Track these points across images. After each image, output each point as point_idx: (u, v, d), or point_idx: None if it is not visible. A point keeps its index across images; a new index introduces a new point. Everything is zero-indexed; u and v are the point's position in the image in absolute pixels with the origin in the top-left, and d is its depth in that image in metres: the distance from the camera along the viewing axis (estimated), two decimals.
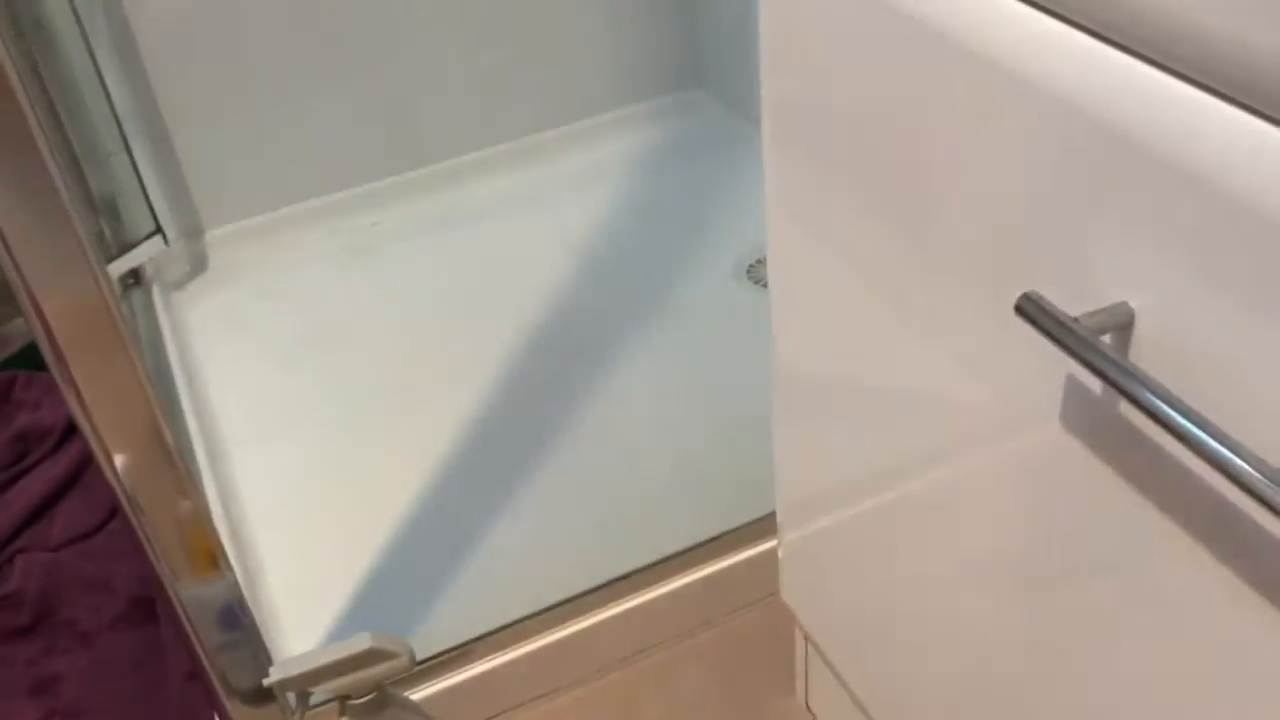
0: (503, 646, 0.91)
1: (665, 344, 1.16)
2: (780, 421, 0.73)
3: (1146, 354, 0.40)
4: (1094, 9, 0.38)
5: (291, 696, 0.74)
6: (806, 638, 0.84)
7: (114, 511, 1.11)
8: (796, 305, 0.66)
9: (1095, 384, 0.43)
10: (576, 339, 1.18)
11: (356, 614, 0.93)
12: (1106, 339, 0.41)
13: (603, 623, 0.92)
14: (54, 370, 0.67)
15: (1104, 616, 0.47)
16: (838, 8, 0.51)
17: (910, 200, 0.51)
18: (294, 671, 0.72)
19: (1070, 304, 0.42)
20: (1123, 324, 0.40)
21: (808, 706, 0.89)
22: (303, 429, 1.11)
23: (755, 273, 1.25)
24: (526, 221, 1.37)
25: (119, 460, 0.71)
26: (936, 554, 0.60)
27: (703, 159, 1.45)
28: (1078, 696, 0.51)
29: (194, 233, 1.38)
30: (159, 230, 1.32)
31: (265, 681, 0.72)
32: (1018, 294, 0.43)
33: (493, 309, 1.23)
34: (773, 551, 0.94)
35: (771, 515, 0.94)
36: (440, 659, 0.89)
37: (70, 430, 1.20)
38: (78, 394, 0.68)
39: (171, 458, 0.72)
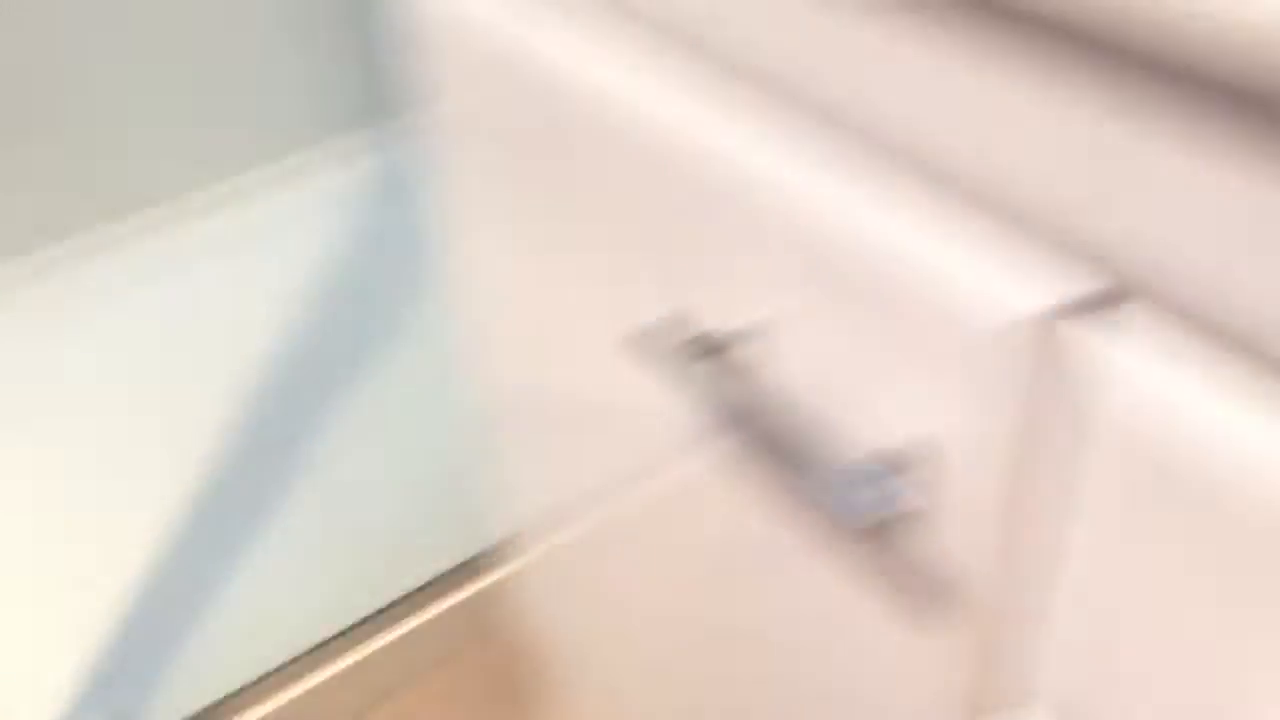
0: (242, 709, 0.91)
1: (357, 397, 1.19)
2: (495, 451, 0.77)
3: None
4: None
5: None
6: (532, 661, 0.87)
7: None
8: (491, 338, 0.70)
9: None
10: (278, 395, 1.19)
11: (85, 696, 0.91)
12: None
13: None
14: None
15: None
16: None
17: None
18: None
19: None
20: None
21: None
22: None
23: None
24: (227, 272, 1.35)
25: None
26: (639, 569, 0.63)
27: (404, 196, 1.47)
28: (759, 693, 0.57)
29: None
30: None
31: None
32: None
33: (199, 368, 1.21)
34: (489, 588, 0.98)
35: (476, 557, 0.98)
36: None
37: None
38: None
39: None
